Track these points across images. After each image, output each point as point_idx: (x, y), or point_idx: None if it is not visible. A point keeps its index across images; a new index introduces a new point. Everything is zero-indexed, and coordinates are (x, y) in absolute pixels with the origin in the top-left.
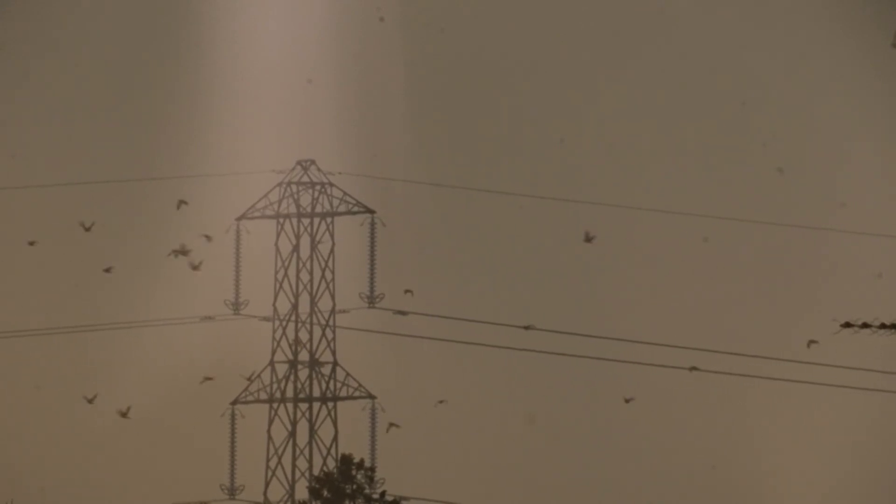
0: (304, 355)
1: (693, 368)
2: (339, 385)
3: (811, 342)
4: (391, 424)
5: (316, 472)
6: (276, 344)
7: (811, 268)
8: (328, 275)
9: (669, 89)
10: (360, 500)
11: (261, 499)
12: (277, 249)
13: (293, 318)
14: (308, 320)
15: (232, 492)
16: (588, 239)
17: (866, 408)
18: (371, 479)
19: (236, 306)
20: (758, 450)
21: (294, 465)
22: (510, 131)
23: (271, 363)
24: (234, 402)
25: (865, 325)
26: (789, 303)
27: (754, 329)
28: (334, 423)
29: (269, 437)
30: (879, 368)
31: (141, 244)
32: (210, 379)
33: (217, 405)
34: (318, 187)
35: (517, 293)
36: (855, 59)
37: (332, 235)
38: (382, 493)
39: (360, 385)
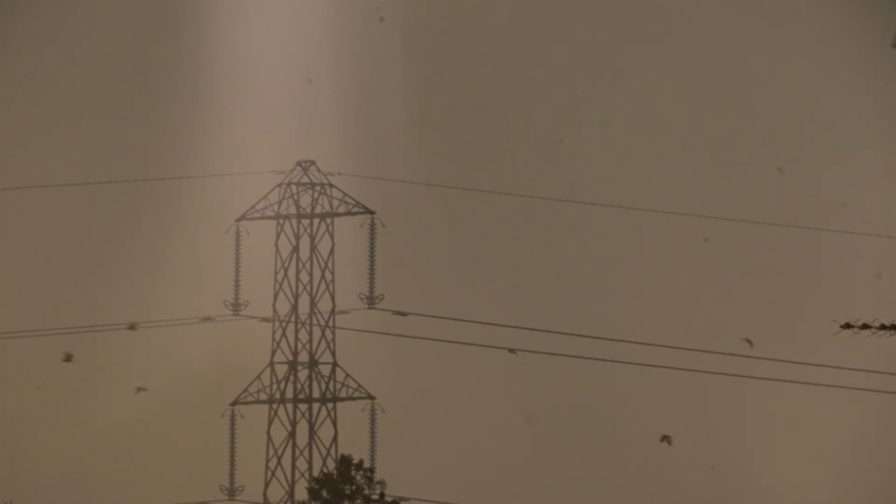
0: (303, 356)
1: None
2: (338, 386)
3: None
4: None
5: (315, 472)
6: (275, 345)
7: (811, 268)
8: (328, 275)
9: (669, 89)
10: (359, 501)
11: (260, 499)
12: (277, 250)
13: (293, 318)
14: (308, 321)
15: (231, 492)
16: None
17: (866, 408)
18: (370, 480)
19: (236, 307)
20: (757, 450)
21: (294, 466)
22: (510, 131)
23: (271, 364)
24: (234, 403)
25: (865, 326)
26: (789, 303)
27: (754, 329)
28: (334, 423)
29: (269, 438)
30: (879, 369)
31: (141, 244)
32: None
33: (217, 405)
34: (317, 188)
35: (517, 293)
36: (855, 59)
37: (331, 236)
38: (382, 494)
39: (359, 386)
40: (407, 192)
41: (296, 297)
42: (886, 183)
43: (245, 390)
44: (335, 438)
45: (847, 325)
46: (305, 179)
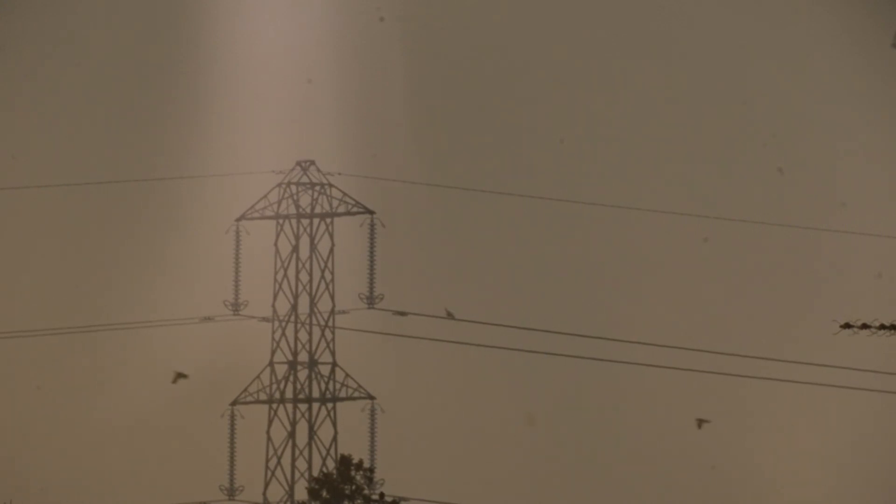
0: (303, 356)
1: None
2: (338, 386)
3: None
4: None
5: (315, 472)
6: (275, 345)
7: (811, 268)
8: (328, 275)
9: (670, 89)
10: (359, 501)
11: (260, 499)
12: (277, 250)
13: (293, 318)
14: (307, 321)
15: (231, 492)
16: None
17: (865, 408)
18: (370, 480)
19: (236, 307)
20: (757, 450)
21: (293, 466)
22: (510, 131)
23: (271, 364)
24: (234, 403)
25: (865, 326)
26: (789, 303)
27: (754, 329)
28: (334, 423)
29: (269, 438)
30: (879, 369)
31: (141, 244)
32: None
33: (217, 405)
34: (317, 188)
35: (517, 293)
36: (855, 59)
37: (331, 236)
38: (381, 494)
39: (359, 386)
40: (407, 192)
41: (295, 297)
42: (886, 183)
43: (245, 390)
44: (335, 438)
45: (847, 325)
46: (305, 179)
